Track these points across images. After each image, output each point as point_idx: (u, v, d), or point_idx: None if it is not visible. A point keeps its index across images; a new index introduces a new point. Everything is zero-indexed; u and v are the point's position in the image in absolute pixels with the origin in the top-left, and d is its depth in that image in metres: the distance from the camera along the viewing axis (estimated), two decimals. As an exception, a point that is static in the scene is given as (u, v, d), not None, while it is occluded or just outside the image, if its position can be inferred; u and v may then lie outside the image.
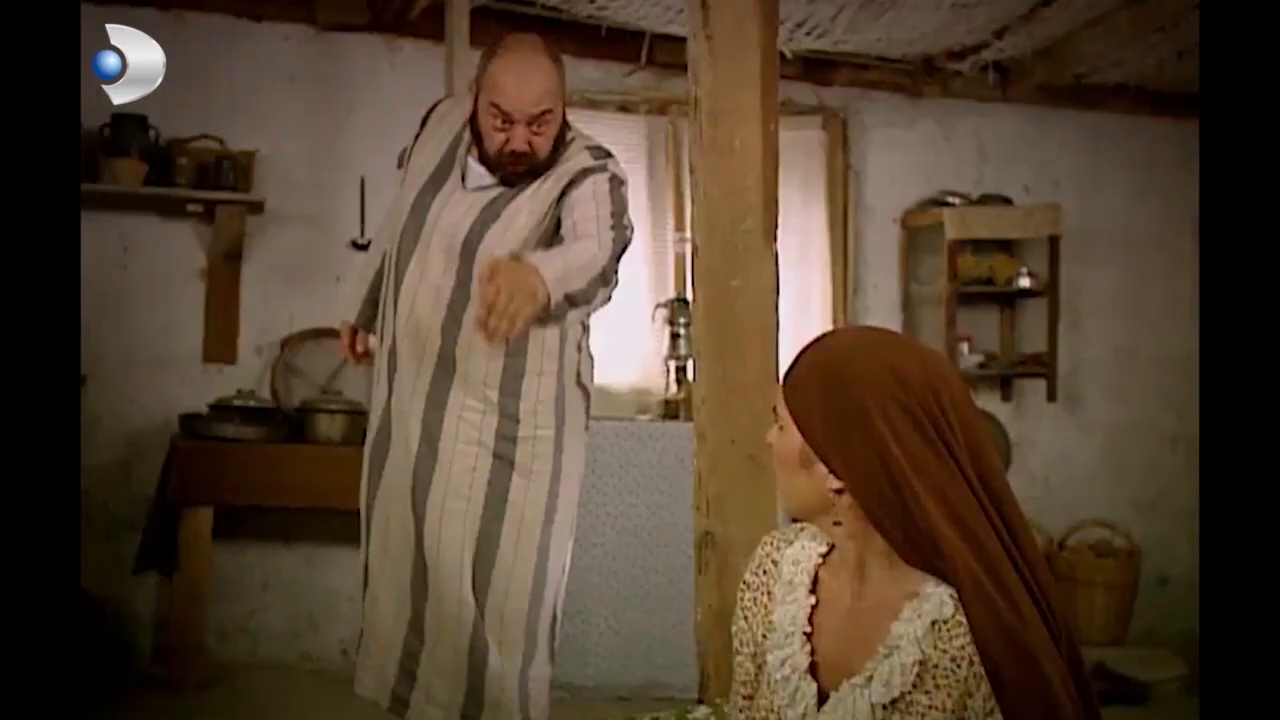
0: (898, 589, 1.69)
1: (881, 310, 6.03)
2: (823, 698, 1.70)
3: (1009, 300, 6.15)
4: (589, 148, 3.07)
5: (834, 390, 1.67)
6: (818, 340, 1.77)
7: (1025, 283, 5.96)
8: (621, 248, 2.85)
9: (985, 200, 5.97)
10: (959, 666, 1.64)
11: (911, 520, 1.64)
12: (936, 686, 1.65)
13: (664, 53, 5.58)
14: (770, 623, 1.77)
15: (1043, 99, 6.13)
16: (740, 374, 2.10)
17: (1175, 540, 6.31)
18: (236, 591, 5.17)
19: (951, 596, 1.65)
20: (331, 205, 5.36)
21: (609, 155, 3.03)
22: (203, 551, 4.67)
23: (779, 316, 2.13)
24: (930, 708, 1.64)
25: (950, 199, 5.94)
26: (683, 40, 5.29)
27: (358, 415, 5.09)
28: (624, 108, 5.72)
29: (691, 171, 2.15)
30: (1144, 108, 6.28)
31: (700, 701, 2.09)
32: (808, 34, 5.24)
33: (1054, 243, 5.92)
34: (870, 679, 1.66)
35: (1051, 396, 5.98)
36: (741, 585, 1.83)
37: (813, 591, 1.76)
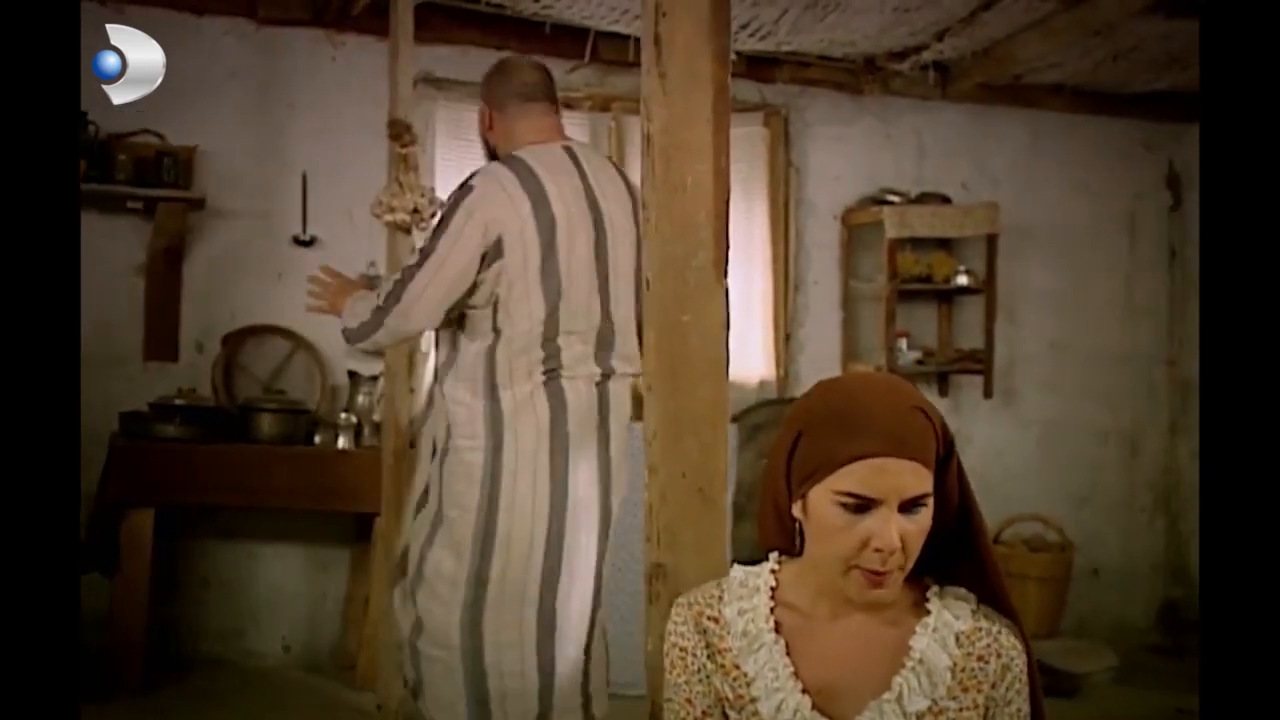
0: (899, 605, 1.76)
1: (822, 306, 6.09)
2: None
3: (947, 297, 6.23)
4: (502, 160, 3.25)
5: (937, 426, 1.73)
6: (868, 386, 1.78)
7: (963, 280, 6.04)
8: (411, 266, 3.14)
9: (924, 198, 6.04)
10: (986, 664, 1.73)
11: (979, 535, 1.78)
12: (965, 689, 1.73)
13: (608, 50, 5.60)
14: (742, 676, 1.77)
15: (981, 97, 6.20)
16: (692, 408, 2.11)
17: (1106, 533, 6.46)
18: (177, 589, 5.16)
19: (966, 605, 1.76)
20: (273, 201, 5.34)
21: (496, 167, 3.18)
22: (144, 552, 4.65)
23: (729, 351, 2.16)
24: (963, 710, 1.72)
25: (890, 197, 6.00)
26: (626, 38, 5.41)
27: (300, 414, 5.10)
28: (567, 104, 5.68)
29: (644, 207, 2.16)
30: (1080, 107, 6.37)
31: (651, 730, 2.12)
32: (751, 35, 5.27)
33: (991, 241, 6.00)
34: (901, 693, 1.72)
35: (988, 392, 6.07)
36: (676, 651, 1.82)
37: (777, 633, 1.78)
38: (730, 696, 1.78)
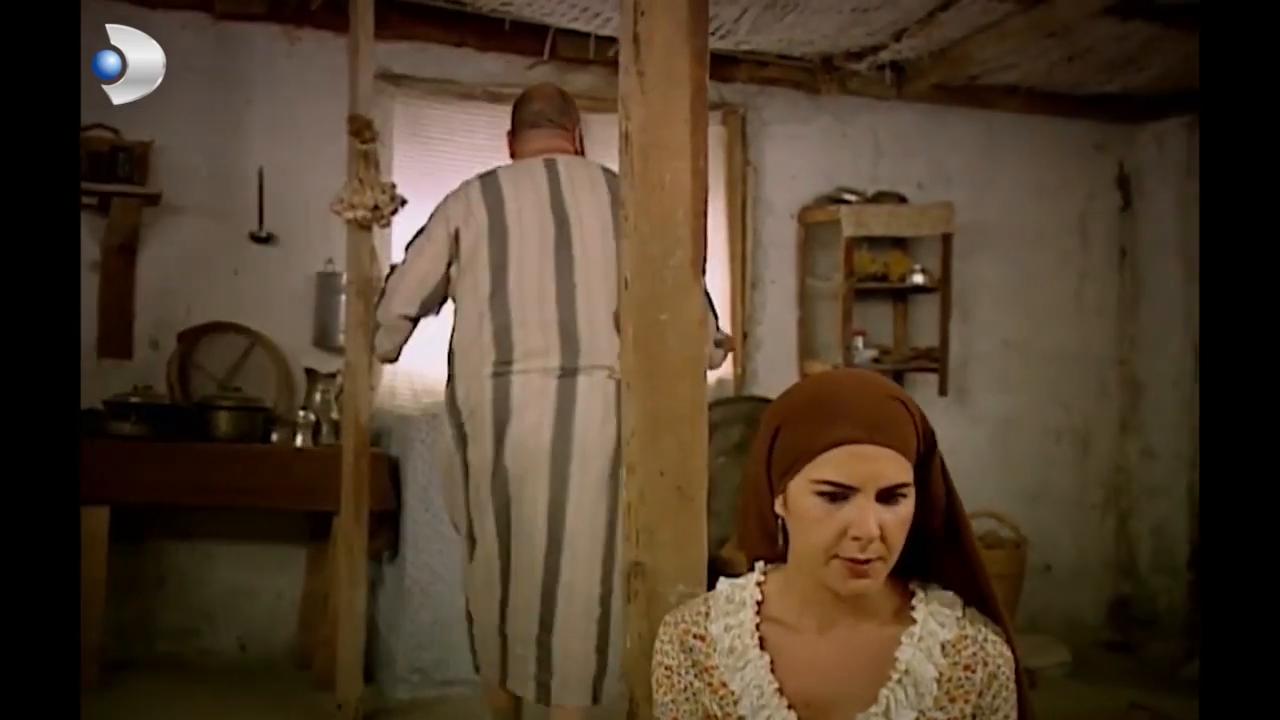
0: (885, 613, 1.77)
1: (779, 305, 6.11)
2: None
3: (902, 296, 6.27)
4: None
5: (916, 418, 1.74)
6: (846, 378, 1.83)
7: (919, 279, 6.07)
8: (395, 265, 3.69)
9: (880, 197, 6.07)
10: (973, 673, 1.73)
11: (965, 535, 1.79)
12: (952, 700, 1.73)
13: (566, 47, 5.59)
14: (729, 694, 1.77)
15: (937, 97, 6.24)
16: (670, 406, 2.12)
17: (1058, 529, 6.52)
18: (132, 589, 5.10)
19: (953, 612, 1.76)
20: (229, 197, 5.29)
21: (469, 179, 3.65)
22: (98, 551, 4.59)
23: (707, 349, 2.17)
24: None
25: (847, 196, 6.03)
26: (585, 36, 5.40)
27: (257, 411, 5.05)
28: (526, 101, 5.70)
29: (622, 206, 2.16)
30: (1034, 108, 6.42)
31: (629, 728, 2.12)
32: (711, 34, 5.26)
33: (947, 240, 6.04)
34: (888, 705, 1.72)
35: (943, 390, 6.11)
36: (662, 670, 1.83)
37: (763, 648, 1.78)
38: (718, 714, 1.79)
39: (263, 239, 5.30)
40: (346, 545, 4.46)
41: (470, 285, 3.47)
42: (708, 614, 1.83)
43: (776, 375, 5.97)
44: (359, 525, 4.42)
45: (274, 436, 5.05)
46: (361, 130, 4.38)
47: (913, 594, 1.79)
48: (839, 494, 1.68)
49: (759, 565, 1.86)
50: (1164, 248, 6.52)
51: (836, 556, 1.69)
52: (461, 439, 3.48)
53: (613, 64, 5.55)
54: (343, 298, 5.04)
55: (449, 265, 3.51)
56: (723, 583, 1.85)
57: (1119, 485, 6.71)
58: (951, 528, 1.79)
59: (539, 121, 3.69)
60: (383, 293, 3.65)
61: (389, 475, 4.94)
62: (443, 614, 4.91)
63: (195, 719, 4.56)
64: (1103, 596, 6.66)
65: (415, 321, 3.62)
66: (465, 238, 3.48)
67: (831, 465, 1.69)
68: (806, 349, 6.13)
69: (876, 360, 6.08)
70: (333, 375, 5.11)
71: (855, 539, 1.67)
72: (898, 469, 1.69)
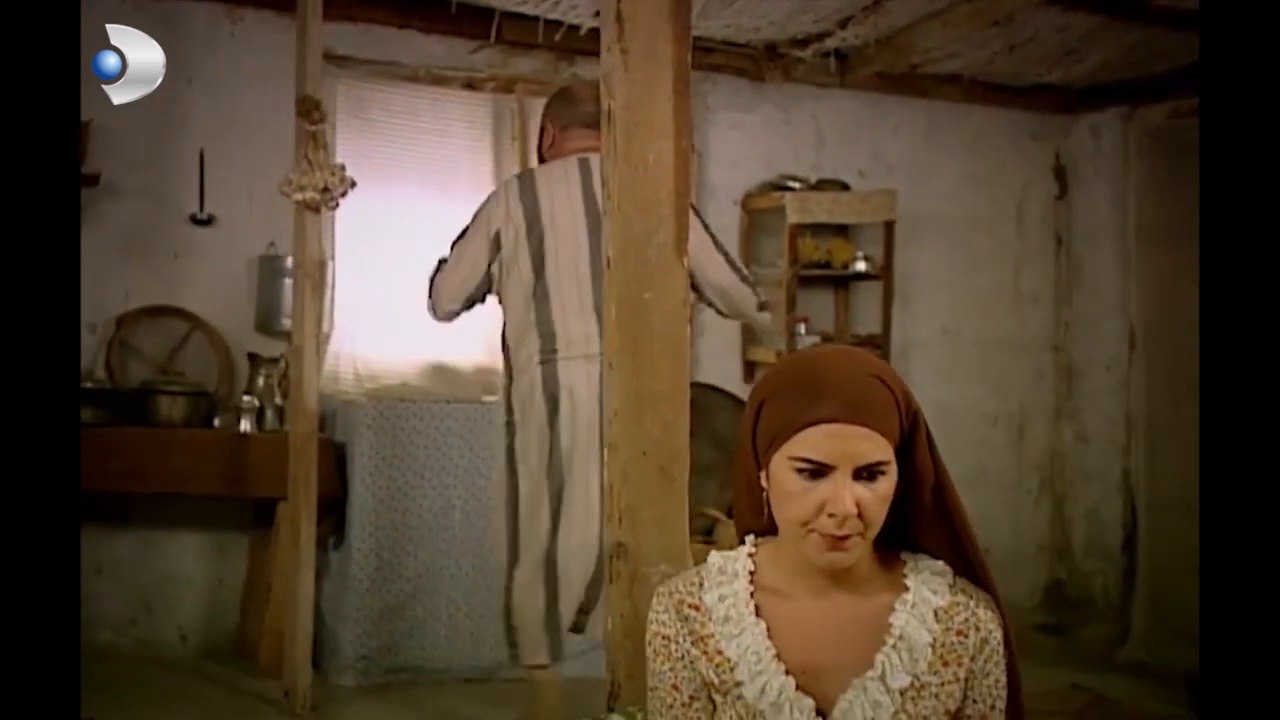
0: (877, 582, 1.79)
1: (722, 291, 6.11)
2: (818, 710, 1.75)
3: (844, 283, 6.31)
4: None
5: (898, 395, 1.74)
6: (828, 356, 1.85)
7: (861, 266, 6.11)
8: (442, 260, 3.97)
9: (824, 185, 6.10)
10: (965, 638, 1.76)
11: (953, 508, 1.80)
12: (945, 664, 1.76)
13: (512, 31, 5.55)
14: (725, 661, 1.78)
15: (878, 86, 6.28)
16: (653, 386, 2.12)
17: (995, 514, 6.59)
18: (69, 577, 5.00)
19: (944, 580, 1.79)
20: (169, 179, 5.20)
21: (509, 179, 4.07)
22: (36, 539, 4.49)
23: (689, 328, 2.17)
24: (944, 684, 1.75)
25: (790, 183, 6.05)
26: (533, 19, 5.36)
27: (200, 396, 4.98)
28: (470, 85, 5.67)
29: (604, 184, 2.15)
30: (972, 97, 6.48)
31: (611, 709, 2.12)
32: (659, 18, 5.26)
33: (889, 227, 6.09)
34: (884, 670, 1.74)
35: (884, 377, 6.13)
36: (659, 639, 1.82)
37: (758, 616, 1.79)
38: (715, 681, 1.80)
39: (203, 221, 5.22)
40: (294, 531, 4.40)
41: (515, 281, 3.79)
42: (701, 584, 1.83)
43: (719, 362, 5.99)
44: (307, 511, 4.37)
45: (216, 422, 4.97)
46: (310, 111, 4.32)
47: (904, 563, 1.82)
48: (817, 471, 1.70)
49: (749, 538, 1.86)
50: (1099, 236, 6.62)
51: (814, 530, 1.70)
52: (510, 426, 3.83)
53: (559, 48, 5.60)
54: (286, 281, 4.99)
55: (490, 264, 3.83)
56: (714, 555, 1.86)
57: (1054, 470, 6.80)
58: (939, 500, 1.80)
59: (590, 122, 3.72)
60: (431, 283, 3.95)
61: (334, 461, 4.88)
62: (389, 601, 4.88)
63: (137, 710, 4.44)
64: (1038, 580, 6.75)
65: (462, 312, 3.99)
66: (506, 238, 3.79)
67: (809, 443, 1.70)
68: (749, 336, 6.14)
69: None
70: (276, 360, 5.05)
71: (831, 516, 1.68)
72: (875, 448, 1.70)
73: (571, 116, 3.91)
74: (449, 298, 3.92)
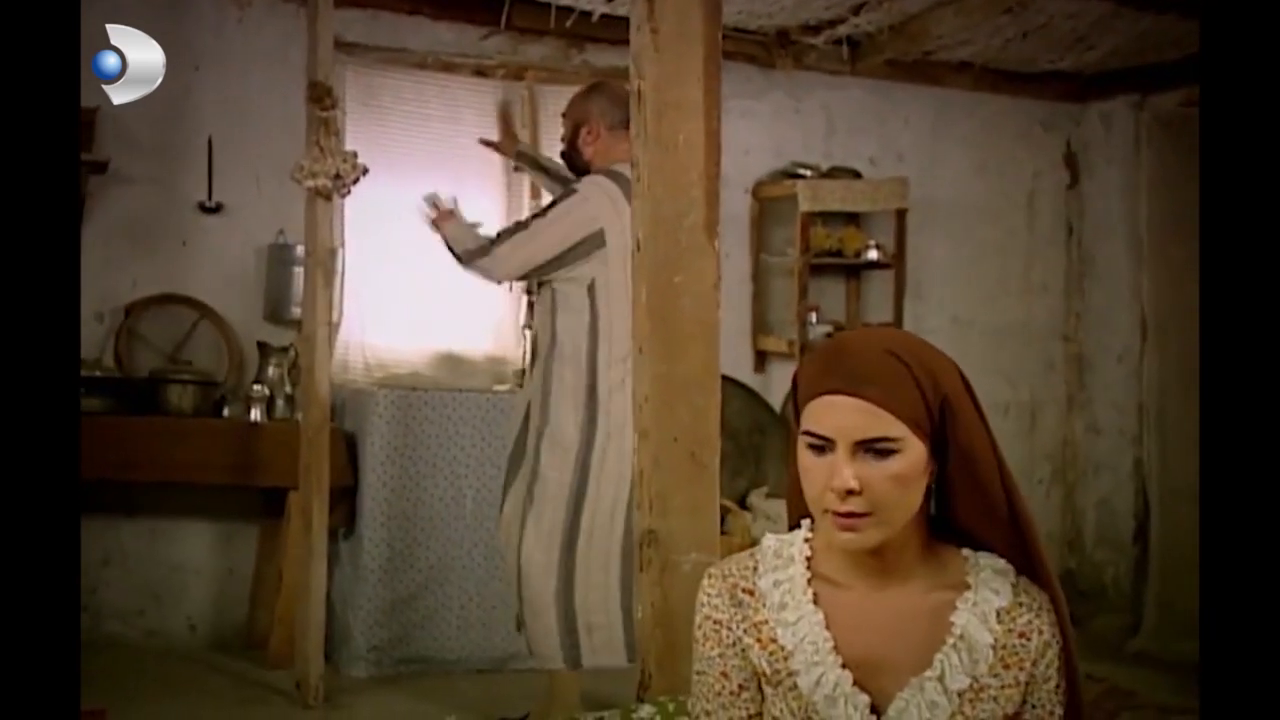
0: (937, 578, 1.72)
1: (733, 280, 6.05)
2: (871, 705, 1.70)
3: (855, 272, 6.27)
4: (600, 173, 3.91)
5: (918, 375, 1.65)
6: (857, 333, 1.82)
7: (873, 255, 6.08)
8: (510, 229, 3.96)
9: (834, 173, 6.06)
10: (1028, 641, 1.70)
11: (1015, 501, 1.73)
12: (1006, 667, 1.69)
13: (522, 17, 5.50)
14: (779, 649, 1.72)
15: (889, 73, 6.23)
16: (684, 371, 2.08)
17: (1005, 502, 6.54)
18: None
19: (1005, 579, 1.71)
20: (177, 166, 5.16)
21: (600, 179, 3.86)
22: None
23: (720, 313, 2.13)
24: (1004, 687, 1.69)
25: (801, 171, 6.02)
26: (544, 6, 5.32)
27: (210, 385, 4.95)
28: (480, 72, 5.62)
29: (634, 165, 2.12)
30: (983, 85, 6.43)
31: (641, 700, 2.08)
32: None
33: (901, 216, 6.05)
34: (943, 670, 1.68)
35: (895, 366, 6.09)
36: (710, 625, 1.76)
37: (816, 604, 1.73)
38: (767, 671, 1.73)
39: (212, 209, 5.18)
40: (306, 521, 4.37)
41: (620, 280, 3.65)
42: (755, 568, 1.77)
43: (729, 352, 5.93)
44: (320, 500, 4.33)
45: (226, 411, 4.94)
46: (321, 97, 4.29)
47: (965, 560, 1.74)
48: (822, 446, 1.65)
49: (805, 523, 1.80)
50: (1110, 225, 6.58)
51: (827, 509, 1.66)
52: (591, 426, 3.83)
53: (570, 35, 5.55)
54: (296, 270, 4.95)
55: (567, 254, 3.81)
56: (769, 538, 1.79)
57: (1065, 460, 6.77)
58: (994, 492, 1.72)
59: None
60: (491, 246, 3.91)
61: (346, 450, 4.85)
62: (401, 591, 4.85)
63: (147, 702, 4.40)
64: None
65: (514, 284, 4.12)
66: (611, 235, 3.77)
67: (814, 416, 1.66)
68: (760, 324, 6.11)
69: (830, 335, 6.07)
70: (286, 349, 5.01)
71: (832, 490, 1.64)
72: (873, 422, 1.63)
73: (618, 116, 3.83)
74: (506, 272, 3.96)
